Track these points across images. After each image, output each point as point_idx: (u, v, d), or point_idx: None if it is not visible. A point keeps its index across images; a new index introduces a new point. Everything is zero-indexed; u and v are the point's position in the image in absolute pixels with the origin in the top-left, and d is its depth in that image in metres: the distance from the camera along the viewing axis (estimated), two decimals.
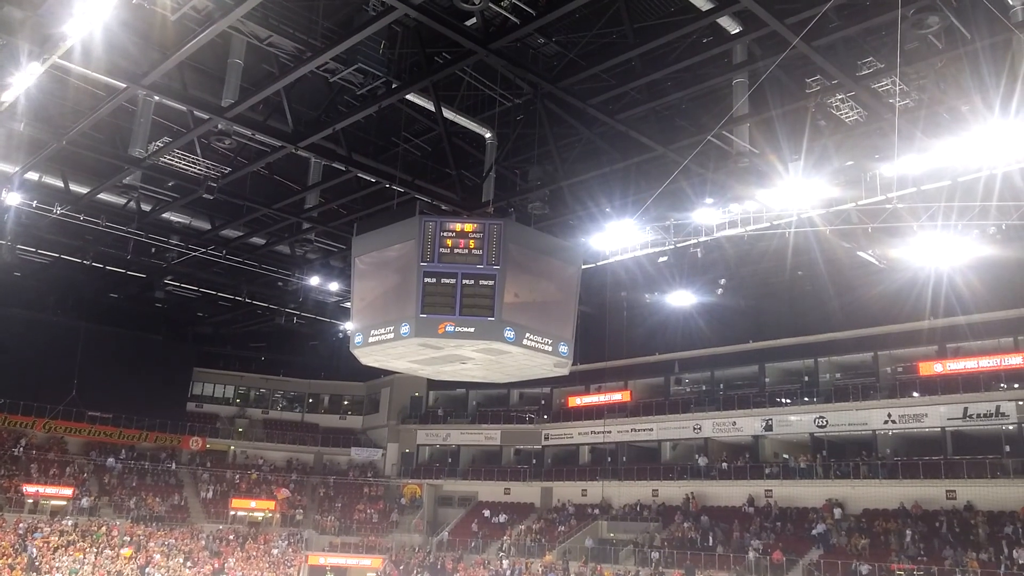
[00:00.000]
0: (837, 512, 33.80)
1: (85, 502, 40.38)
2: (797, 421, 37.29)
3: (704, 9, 15.27)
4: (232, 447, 49.00)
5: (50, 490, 40.17)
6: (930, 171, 18.11)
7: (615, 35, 17.05)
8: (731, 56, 17.63)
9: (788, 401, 38.33)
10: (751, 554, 33.23)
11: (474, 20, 15.61)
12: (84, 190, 23.58)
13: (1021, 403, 31.03)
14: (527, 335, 15.55)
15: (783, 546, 33.27)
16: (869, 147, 19.16)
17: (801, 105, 18.26)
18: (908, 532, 31.10)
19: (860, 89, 17.08)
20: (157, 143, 20.73)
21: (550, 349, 16.08)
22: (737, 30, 16.23)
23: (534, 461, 46.54)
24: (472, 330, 15.07)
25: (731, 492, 38.05)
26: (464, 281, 15.16)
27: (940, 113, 17.39)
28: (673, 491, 39.95)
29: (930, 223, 20.13)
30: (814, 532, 33.22)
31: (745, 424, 38.60)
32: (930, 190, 18.46)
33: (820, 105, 18.44)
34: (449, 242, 15.33)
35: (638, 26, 16.29)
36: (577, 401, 45.20)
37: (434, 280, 15.17)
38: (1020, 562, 27.72)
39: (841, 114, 18.83)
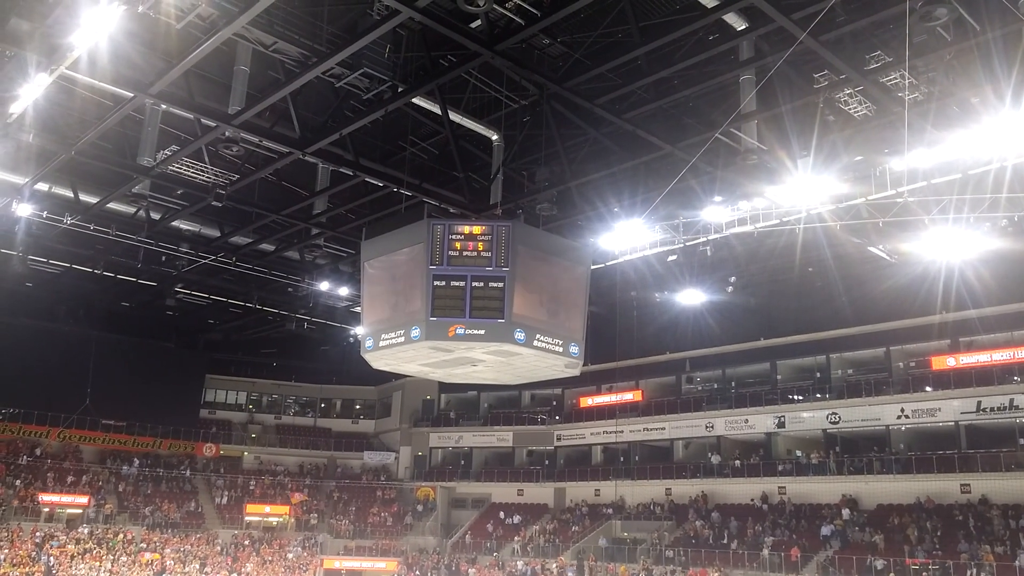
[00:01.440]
0: (846, 512, 33.57)
1: (100, 510, 40.55)
2: (810, 418, 37.13)
3: (710, 6, 15.20)
4: (246, 453, 49.14)
5: (66, 499, 40.40)
6: (940, 164, 17.98)
7: (620, 34, 16.99)
8: (738, 53, 17.53)
9: (800, 398, 38.17)
10: (765, 551, 33.12)
11: (479, 22, 15.58)
12: (94, 200, 23.69)
13: None
14: (537, 336, 15.53)
15: (797, 541, 33.14)
16: (879, 141, 19.03)
17: (809, 100, 18.14)
18: (927, 525, 30.92)
19: (869, 83, 16.97)
20: (165, 152, 20.78)
21: (561, 350, 16.05)
22: (743, 26, 16.14)
23: (547, 462, 46.51)
24: (482, 332, 15.06)
25: (744, 490, 37.91)
26: (473, 283, 15.15)
27: (950, 106, 17.27)
28: (686, 490, 39.86)
29: (941, 217, 19.98)
30: (822, 534, 32.99)
31: (757, 422, 38.47)
32: (941, 183, 18.31)
33: (828, 100, 18.33)
34: (458, 245, 15.32)
35: (643, 24, 16.23)
36: (589, 401, 45.15)
37: (443, 283, 15.16)
38: None
39: (850, 109, 18.70)
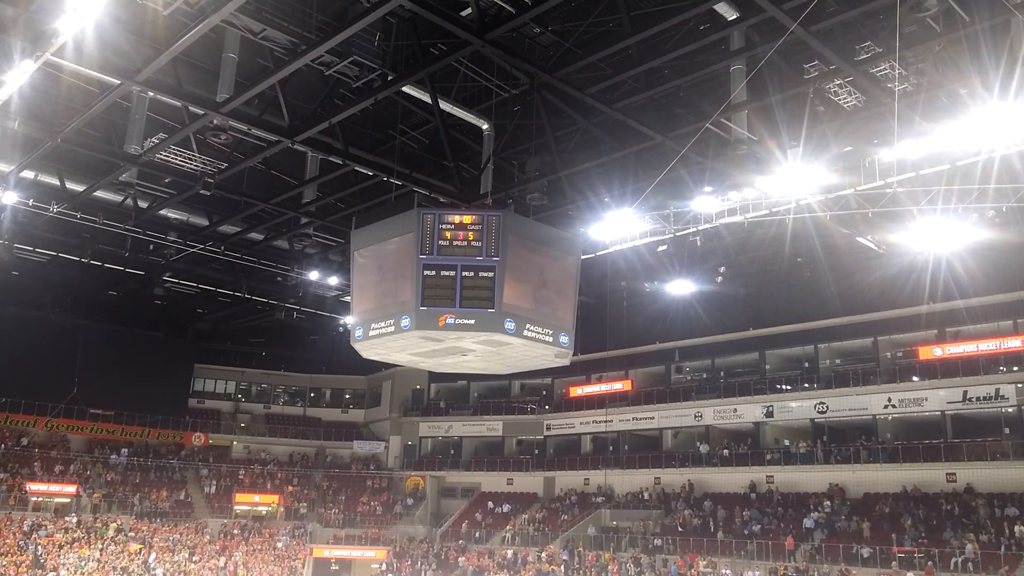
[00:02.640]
0: (827, 504, 33.75)
1: (88, 499, 40.43)
2: (798, 407, 37.35)
3: None
4: (235, 442, 49.06)
5: (54, 488, 40.23)
6: (929, 155, 18.10)
7: (611, 23, 16.96)
8: (729, 43, 17.56)
9: (788, 387, 38.37)
10: (752, 540, 33.42)
11: (469, 10, 15.54)
12: (80, 188, 23.52)
13: (1020, 386, 31.09)
14: (527, 326, 15.55)
15: (784, 530, 33.42)
16: (868, 132, 19.12)
17: (799, 91, 18.20)
18: (909, 516, 31.20)
19: (858, 74, 17.02)
20: (152, 139, 20.64)
21: (551, 340, 16.07)
22: (734, 16, 16.15)
23: (536, 451, 46.63)
24: (472, 322, 15.06)
25: (733, 479, 38.15)
26: (464, 273, 15.15)
27: (939, 97, 17.36)
28: (675, 479, 40.07)
29: (929, 207, 20.12)
30: (805, 526, 33.13)
31: (746, 411, 38.67)
32: (929, 174, 18.44)
33: (818, 91, 18.39)
34: (448, 234, 15.30)
35: (635, 14, 16.21)
36: (578, 391, 45.24)
37: (434, 272, 15.15)
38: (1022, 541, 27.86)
39: (840, 99, 18.76)
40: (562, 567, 36.41)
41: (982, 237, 21.98)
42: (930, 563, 28.14)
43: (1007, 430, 31.56)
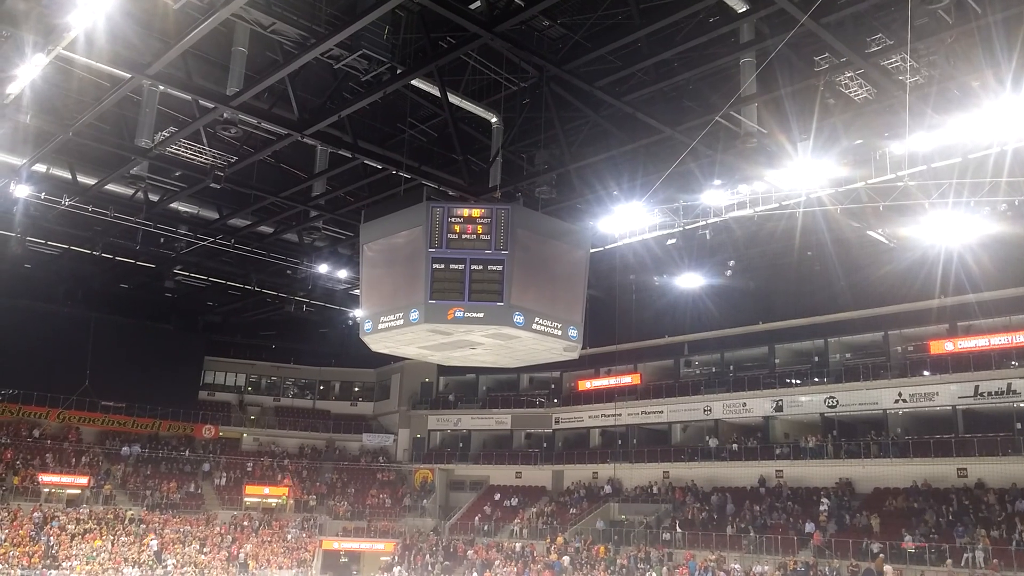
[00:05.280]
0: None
1: (100, 491, 40.72)
2: (807, 401, 37.26)
3: None
4: (245, 434, 49.32)
5: (66, 479, 40.54)
6: (940, 148, 17.98)
7: (621, 16, 16.93)
8: (738, 35, 17.50)
9: (798, 382, 38.24)
10: (752, 533, 33.41)
11: (478, 3, 15.53)
12: (92, 181, 23.66)
13: None
14: (536, 319, 15.55)
15: (792, 524, 33.37)
16: (879, 125, 19.01)
17: (810, 84, 18.13)
18: (932, 511, 31.08)
19: (869, 66, 16.92)
20: (163, 133, 20.76)
21: (559, 333, 16.08)
22: (744, 8, 16.08)
23: (545, 445, 46.69)
24: (481, 315, 15.08)
25: (742, 473, 38.10)
26: (472, 266, 15.16)
27: (951, 89, 17.24)
28: (684, 473, 40.06)
29: (940, 201, 19.99)
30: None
31: (755, 405, 38.59)
32: (940, 167, 18.32)
33: (829, 83, 18.30)
34: (457, 228, 15.32)
35: (644, 6, 16.17)
36: (587, 384, 45.25)
37: (442, 266, 15.17)
38: None
39: (850, 92, 18.66)
40: (566, 559, 36.45)
41: (994, 231, 21.84)
42: (996, 561, 27.33)
43: (1019, 425, 31.36)
